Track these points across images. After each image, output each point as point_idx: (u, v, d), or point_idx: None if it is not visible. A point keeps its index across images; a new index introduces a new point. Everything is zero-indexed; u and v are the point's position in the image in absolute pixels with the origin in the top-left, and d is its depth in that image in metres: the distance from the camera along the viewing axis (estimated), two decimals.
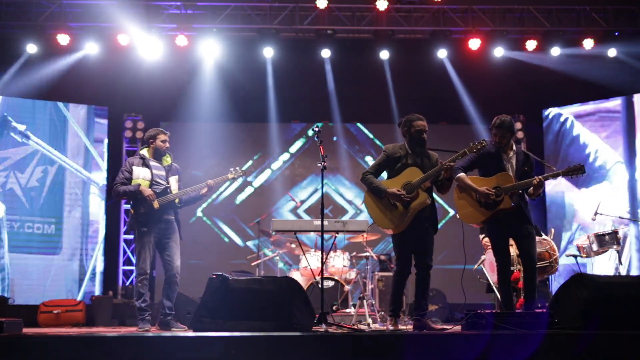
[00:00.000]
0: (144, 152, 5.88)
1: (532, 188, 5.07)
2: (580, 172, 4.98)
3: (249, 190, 10.53)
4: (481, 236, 6.92)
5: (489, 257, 6.27)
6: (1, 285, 9.15)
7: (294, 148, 10.66)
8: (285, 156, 10.63)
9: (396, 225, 5.03)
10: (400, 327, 5.11)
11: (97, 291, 9.59)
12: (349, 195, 10.57)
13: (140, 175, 5.72)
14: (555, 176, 5.12)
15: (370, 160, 10.65)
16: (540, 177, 4.98)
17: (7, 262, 9.20)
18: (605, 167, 9.53)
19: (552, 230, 7.29)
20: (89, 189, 9.85)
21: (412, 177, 5.04)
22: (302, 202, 10.36)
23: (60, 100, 9.74)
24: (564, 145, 9.82)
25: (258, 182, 10.55)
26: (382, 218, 5.08)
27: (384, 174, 5.32)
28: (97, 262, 9.73)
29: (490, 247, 6.38)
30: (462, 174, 5.25)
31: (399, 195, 4.98)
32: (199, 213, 10.38)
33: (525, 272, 5.18)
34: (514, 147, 5.26)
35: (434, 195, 5.26)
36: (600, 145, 9.61)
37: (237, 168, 6.07)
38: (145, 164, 5.78)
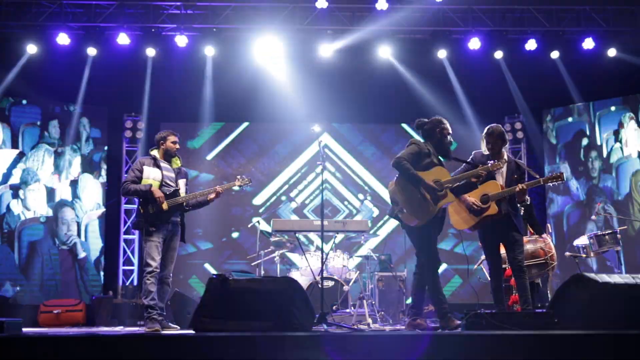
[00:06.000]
0: (155, 153, 5.91)
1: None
2: (559, 179, 5.24)
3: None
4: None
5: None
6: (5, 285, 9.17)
7: (293, 148, 10.65)
8: (285, 156, 10.63)
9: (421, 217, 4.90)
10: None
11: (100, 291, 9.60)
12: (345, 196, 10.57)
13: (151, 175, 5.75)
14: (536, 184, 5.31)
15: (369, 161, 10.64)
16: (522, 185, 5.18)
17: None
18: (607, 161, 9.62)
19: (548, 225, 7.32)
20: (90, 187, 9.85)
21: (441, 176, 4.96)
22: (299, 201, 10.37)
23: (60, 100, 9.74)
24: (563, 136, 9.86)
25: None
26: (411, 206, 4.91)
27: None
28: (98, 261, 9.74)
29: None
30: None
31: (434, 189, 4.90)
32: None
33: (516, 278, 5.35)
34: (505, 157, 5.40)
35: None
36: (601, 139, 9.70)
37: (244, 176, 6.15)
38: (156, 164, 5.81)
